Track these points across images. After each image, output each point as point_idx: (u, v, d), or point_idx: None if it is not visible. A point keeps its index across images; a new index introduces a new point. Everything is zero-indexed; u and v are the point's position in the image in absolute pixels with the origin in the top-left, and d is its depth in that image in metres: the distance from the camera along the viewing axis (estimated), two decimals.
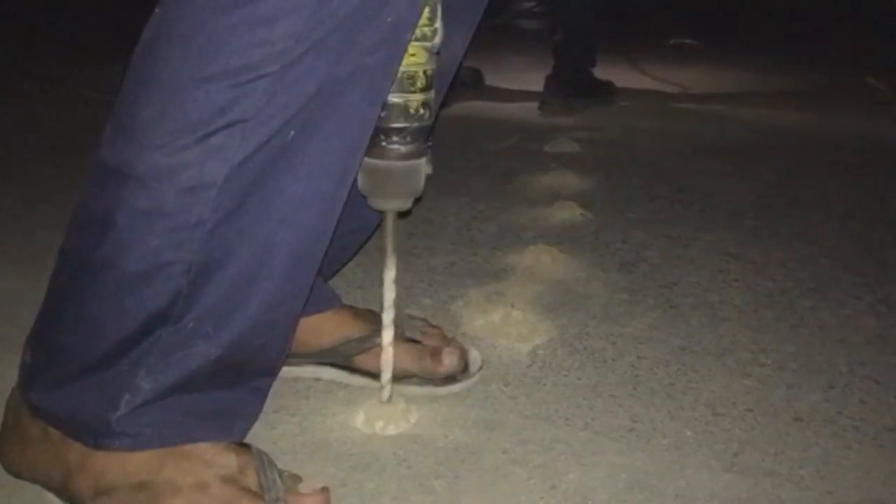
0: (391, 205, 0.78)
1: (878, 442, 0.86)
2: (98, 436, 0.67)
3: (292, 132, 0.63)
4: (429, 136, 0.79)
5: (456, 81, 0.91)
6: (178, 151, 0.62)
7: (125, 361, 0.66)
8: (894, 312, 1.16)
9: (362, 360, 0.91)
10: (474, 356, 0.96)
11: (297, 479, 0.70)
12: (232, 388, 0.71)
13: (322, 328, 0.91)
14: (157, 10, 0.64)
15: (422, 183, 0.78)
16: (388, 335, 0.83)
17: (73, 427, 0.68)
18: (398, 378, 0.87)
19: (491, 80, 2.74)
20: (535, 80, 2.58)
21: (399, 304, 0.84)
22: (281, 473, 0.69)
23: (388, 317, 0.82)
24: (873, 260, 1.35)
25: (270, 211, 0.65)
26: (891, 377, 0.99)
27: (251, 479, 0.68)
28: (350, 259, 1.03)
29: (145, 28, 0.64)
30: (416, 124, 0.74)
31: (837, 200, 1.66)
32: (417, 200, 0.80)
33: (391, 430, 0.83)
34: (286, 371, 0.88)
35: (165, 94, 0.62)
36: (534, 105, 2.48)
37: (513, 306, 1.11)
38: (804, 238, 1.44)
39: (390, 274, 0.81)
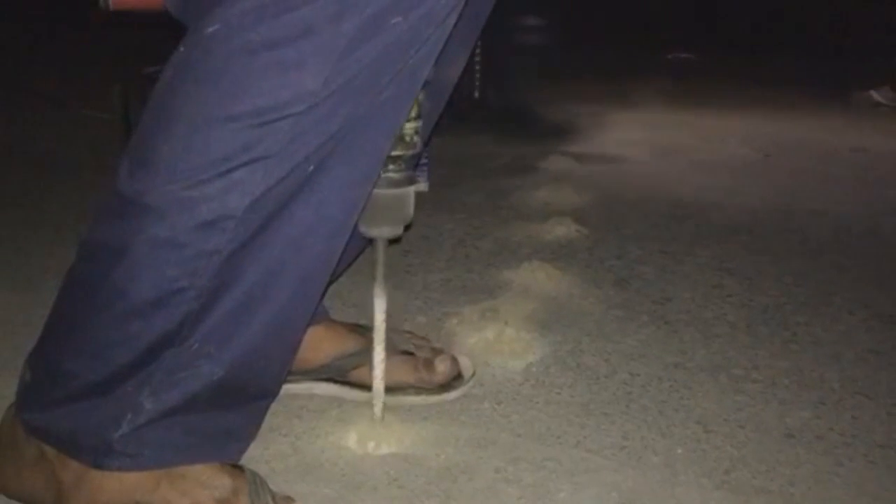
0: (383, 232, 0.80)
1: (869, 458, 0.86)
2: (98, 455, 0.68)
3: (312, 167, 0.65)
4: (419, 161, 0.80)
5: (452, 101, 0.93)
6: (200, 185, 0.63)
7: (131, 383, 0.67)
8: (888, 327, 1.17)
9: (357, 375, 0.92)
10: (466, 364, 0.98)
11: (289, 500, 0.71)
12: (231, 410, 0.72)
13: (317, 345, 0.92)
14: (180, 49, 0.65)
15: (412, 210, 0.79)
16: (378, 361, 0.83)
17: (73, 446, 0.69)
18: (394, 390, 0.89)
19: None
20: (534, 94, 2.59)
21: (390, 322, 0.84)
22: (273, 495, 0.70)
23: (378, 343, 0.83)
24: (868, 275, 1.36)
25: (280, 236, 0.67)
26: (883, 393, 0.99)
27: (244, 501, 0.69)
28: (343, 273, 1.04)
29: (167, 65, 0.66)
30: (409, 152, 0.77)
31: (833, 215, 1.67)
32: (407, 227, 0.81)
33: (383, 450, 0.84)
34: (284, 389, 0.89)
35: (189, 130, 0.63)
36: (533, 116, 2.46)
37: (507, 323, 1.11)
38: (799, 253, 1.45)
39: (381, 303, 0.82)
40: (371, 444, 0.84)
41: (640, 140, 2.35)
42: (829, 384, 1.01)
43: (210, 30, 0.63)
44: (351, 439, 0.85)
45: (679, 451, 0.86)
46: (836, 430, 0.91)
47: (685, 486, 0.80)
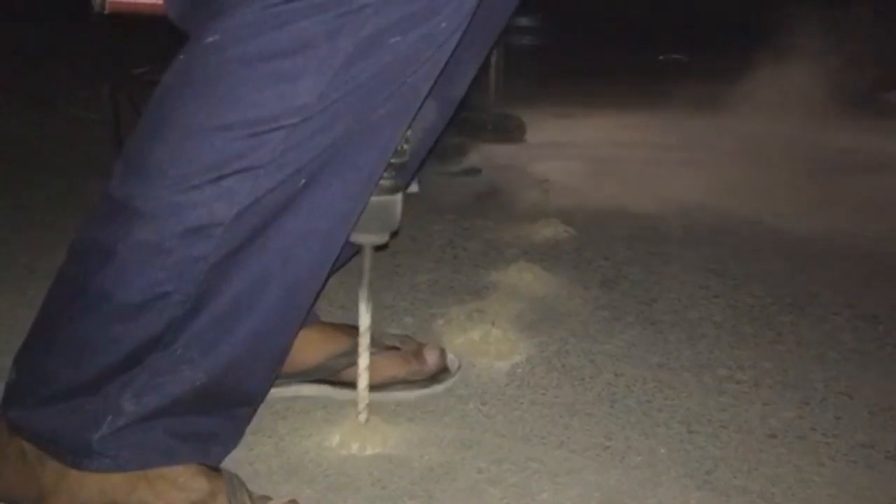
0: (370, 239, 0.80)
1: (851, 458, 0.87)
2: (77, 455, 0.68)
3: (304, 180, 0.66)
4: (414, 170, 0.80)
5: (461, 107, 0.93)
6: (189, 191, 0.64)
7: (113, 385, 0.67)
8: (872, 327, 1.18)
9: (349, 374, 0.92)
10: (451, 357, 1.00)
11: (265, 500, 0.71)
12: (212, 415, 0.73)
13: (306, 347, 0.92)
14: (180, 57, 0.66)
15: (399, 217, 0.80)
16: (363, 367, 0.84)
17: (53, 445, 0.69)
18: (384, 386, 0.90)
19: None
20: (526, 94, 2.58)
21: (377, 323, 0.85)
22: (251, 496, 0.70)
23: (363, 349, 0.83)
24: (854, 275, 1.37)
25: (269, 247, 0.67)
26: (865, 392, 1.00)
27: None
28: (331, 277, 1.04)
29: (166, 72, 0.66)
30: (399, 160, 0.77)
31: (820, 215, 1.67)
32: (394, 234, 0.81)
33: (367, 451, 0.84)
34: (271, 391, 0.89)
35: (182, 137, 0.64)
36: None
37: (493, 324, 1.12)
38: (786, 253, 1.45)
39: (366, 309, 0.83)
40: (355, 445, 0.84)
41: (629, 141, 2.35)
42: (812, 384, 1.01)
43: (209, 40, 0.63)
44: (335, 440, 0.85)
45: (662, 451, 0.87)
46: (819, 430, 0.92)
47: (667, 487, 0.81)
